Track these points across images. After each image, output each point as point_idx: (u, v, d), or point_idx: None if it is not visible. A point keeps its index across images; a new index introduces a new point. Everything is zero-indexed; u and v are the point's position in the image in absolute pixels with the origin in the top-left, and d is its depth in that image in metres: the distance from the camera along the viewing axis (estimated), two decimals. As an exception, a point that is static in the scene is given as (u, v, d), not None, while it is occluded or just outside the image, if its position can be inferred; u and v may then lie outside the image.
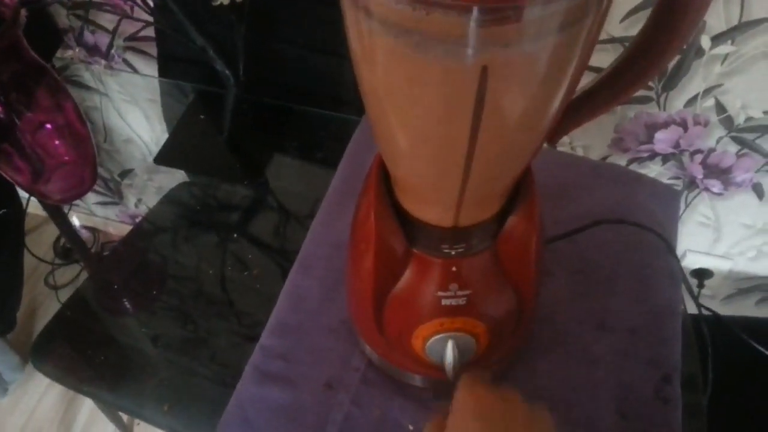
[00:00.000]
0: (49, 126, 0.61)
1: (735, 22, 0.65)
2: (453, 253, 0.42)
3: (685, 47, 0.69)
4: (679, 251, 0.96)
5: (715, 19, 0.66)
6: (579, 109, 0.37)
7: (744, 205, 0.85)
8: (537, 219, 0.42)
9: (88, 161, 0.66)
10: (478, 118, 0.29)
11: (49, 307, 1.32)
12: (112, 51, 0.94)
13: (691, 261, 0.97)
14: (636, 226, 0.60)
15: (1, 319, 0.93)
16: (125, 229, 1.31)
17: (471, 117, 0.29)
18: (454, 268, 0.42)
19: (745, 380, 0.74)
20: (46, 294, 1.31)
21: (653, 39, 0.33)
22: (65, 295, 1.00)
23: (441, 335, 0.44)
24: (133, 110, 1.03)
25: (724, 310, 1.02)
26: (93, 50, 0.98)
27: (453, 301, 0.43)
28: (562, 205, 0.63)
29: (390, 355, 0.50)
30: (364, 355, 0.53)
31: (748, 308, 1.03)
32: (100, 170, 1.11)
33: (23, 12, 0.54)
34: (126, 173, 1.19)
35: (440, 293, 0.42)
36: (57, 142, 0.65)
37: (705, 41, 0.68)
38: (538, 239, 0.43)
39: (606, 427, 0.50)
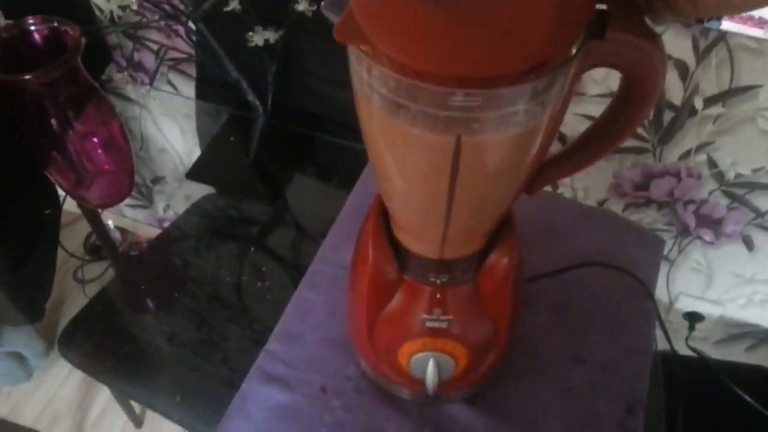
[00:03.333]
0: (95, 139, 0.68)
1: (726, 87, 0.71)
2: (438, 282, 0.47)
3: (678, 107, 0.75)
4: (672, 294, 1.00)
5: (708, 83, 0.71)
6: (551, 169, 0.43)
7: (734, 254, 0.89)
8: (515, 258, 0.48)
9: (127, 172, 0.73)
10: (455, 177, 0.35)
11: (75, 300, 1.39)
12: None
13: (683, 304, 1.01)
14: (618, 269, 0.65)
15: (32, 309, 1.00)
16: (152, 231, 1.39)
17: (449, 176, 0.35)
18: (438, 295, 0.48)
19: (720, 422, 0.78)
20: (73, 287, 1.38)
21: (614, 119, 0.39)
22: (91, 289, 1.07)
23: (424, 353, 0.49)
24: (169, 123, 1.11)
25: (715, 353, 1.06)
26: (138, 66, 1.06)
27: (436, 324, 0.48)
28: (551, 244, 0.68)
29: (380, 369, 0.56)
30: (358, 366, 0.59)
31: (738, 353, 1.07)
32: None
33: (83, 40, 0.61)
34: (158, 180, 1.27)
35: (425, 316, 0.48)
36: (100, 152, 0.71)
37: (698, 102, 0.73)
38: (515, 276, 0.49)
39: (571, 450, 0.55)
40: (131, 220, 1.44)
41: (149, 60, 1.03)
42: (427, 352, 0.49)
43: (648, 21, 0.33)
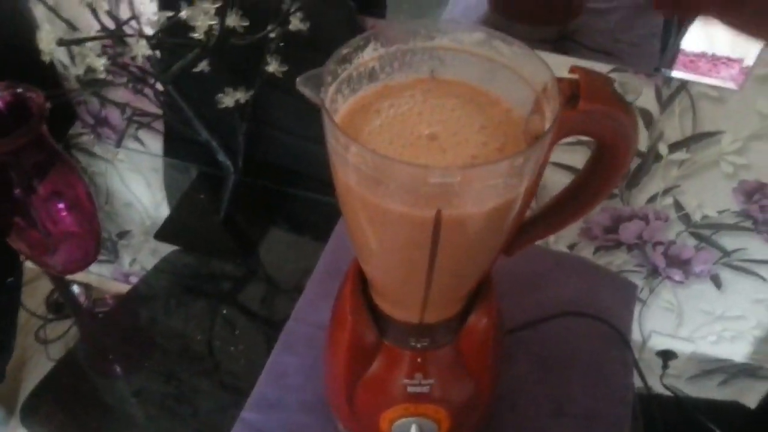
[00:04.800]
0: (60, 204, 0.67)
1: (689, 133, 0.73)
2: (419, 345, 0.47)
3: (640, 156, 0.76)
4: (645, 333, 1.01)
5: (672, 130, 0.73)
6: (530, 231, 0.43)
7: (703, 293, 0.91)
8: (494, 317, 0.48)
9: (93, 235, 0.71)
10: (435, 248, 0.35)
11: (38, 361, 1.34)
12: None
13: (656, 342, 1.02)
14: (594, 318, 0.66)
15: (-8, 374, 0.96)
16: (117, 286, 1.35)
17: (429, 247, 0.34)
18: (419, 360, 0.47)
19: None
20: (35, 348, 1.33)
21: (589, 181, 0.39)
22: (54, 349, 1.03)
23: (406, 419, 0.48)
24: (136, 178, 1.09)
25: (689, 389, 1.06)
26: (104, 122, 1.05)
27: (418, 389, 0.47)
28: (526, 294, 0.68)
29: (361, 433, 0.54)
30: None
31: (711, 389, 1.07)
32: (98, 230, 1.16)
33: (48, 105, 0.60)
34: (123, 234, 1.24)
35: (406, 381, 0.47)
36: (65, 215, 0.70)
37: (663, 148, 0.75)
38: (495, 336, 0.48)
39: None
40: (96, 275, 1.40)
41: (116, 116, 1.01)
42: (410, 417, 0.48)
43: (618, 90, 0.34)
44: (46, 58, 0.59)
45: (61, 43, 0.59)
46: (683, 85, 0.69)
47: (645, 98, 0.71)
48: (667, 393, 0.90)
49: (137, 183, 1.09)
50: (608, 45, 0.71)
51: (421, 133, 0.35)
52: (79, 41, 0.61)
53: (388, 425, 0.49)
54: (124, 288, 0.97)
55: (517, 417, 0.60)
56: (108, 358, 0.86)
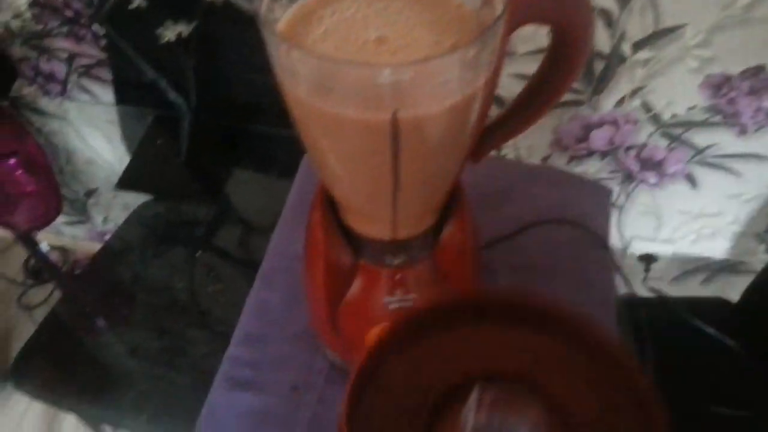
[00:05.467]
0: (11, 161, 0.64)
1: (651, 30, 0.71)
2: (396, 262, 0.46)
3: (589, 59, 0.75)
4: (626, 239, 1.02)
5: (634, 28, 0.72)
6: (494, 134, 0.42)
7: (679, 193, 0.91)
8: (469, 229, 0.47)
9: (52, 190, 0.69)
10: (397, 155, 0.33)
11: (23, 328, 1.34)
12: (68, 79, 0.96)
13: (637, 247, 1.03)
14: (570, 224, 0.66)
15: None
16: (95, 246, 1.33)
17: (390, 154, 0.33)
18: (398, 276, 0.47)
19: (686, 356, 0.80)
20: (19, 315, 1.33)
21: (549, 75, 0.38)
22: (39, 314, 1.02)
23: (390, 337, 0.48)
24: (93, 133, 1.05)
25: (673, 290, 1.08)
26: (49, 78, 1.00)
27: (399, 305, 0.47)
28: (502, 208, 0.68)
29: (348, 356, 0.54)
30: (326, 358, 0.57)
31: (694, 288, 1.10)
32: (64, 191, 1.13)
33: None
34: (91, 193, 1.21)
35: (387, 299, 0.47)
36: (20, 173, 0.67)
37: (626, 48, 0.74)
38: (471, 247, 0.48)
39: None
40: (70, 237, 1.38)
41: (60, 69, 0.97)
42: (394, 335, 0.48)
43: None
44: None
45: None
46: None
47: None
48: (652, 295, 0.91)
49: (95, 138, 1.06)
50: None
51: (368, 37, 0.33)
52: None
53: (373, 345, 0.49)
54: (99, 247, 0.96)
55: (501, 327, 0.60)
56: (91, 313, 0.85)
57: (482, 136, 0.41)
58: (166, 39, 0.65)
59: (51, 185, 0.68)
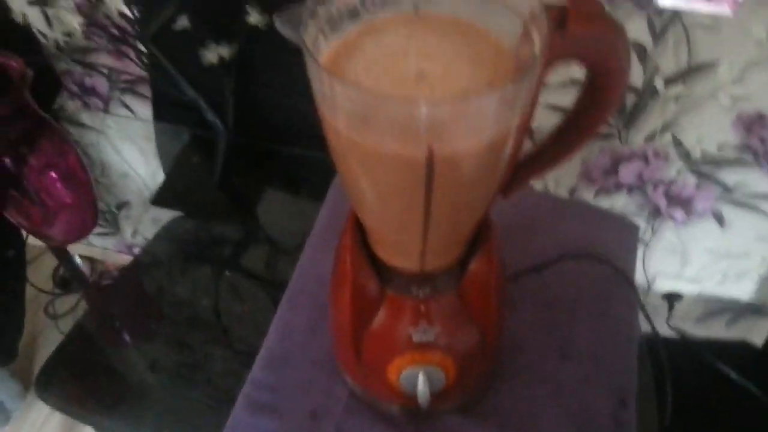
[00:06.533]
0: (53, 173, 0.66)
1: (685, 66, 0.71)
2: (421, 294, 0.46)
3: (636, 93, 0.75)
4: (649, 275, 1.01)
5: (667, 63, 0.72)
6: (525, 169, 0.42)
7: (706, 231, 0.90)
8: (496, 263, 0.47)
9: (90, 204, 0.70)
10: (430, 188, 0.34)
11: (49, 336, 1.35)
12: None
13: (661, 285, 1.02)
14: (596, 260, 0.65)
15: (3, 350, 0.97)
16: (122, 258, 1.36)
17: (424, 188, 0.34)
18: (422, 308, 0.47)
19: (706, 399, 0.79)
20: (45, 323, 1.34)
21: (583, 112, 0.38)
22: (64, 323, 1.03)
23: (413, 368, 0.48)
24: (129, 147, 1.08)
25: (697, 330, 1.07)
26: (90, 92, 1.03)
27: (423, 337, 0.47)
28: (529, 239, 0.68)
29: (369, 386, 0.55)
30: (346, 385, 0.58)
31: (718, 329, 1.08)
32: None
33: (29, 72, 0.59)
34: (122, 205, 1.24)
35: (411, 330, 0.47)
36: (59, 186, 0.69)
37: (659, 83, 0.74)
38: (497, 282, 0.48)
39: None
40: (100, 248, 1.40)
41: (102, 84, 1.00)
42: (417, 366, 0.48)
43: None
44: (18, 18, 0.57)
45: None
46: (676, 14, 0.67)
47: (637, 31, 0.70)
48: (674, 335, 0.90)
49: (131, 152, 1.08)
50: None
51: (407, 70, 0.34)
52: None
53: (395, 376, 0.49)
54: (128, 260, 0.97)
55: (524, 362, 0.60)
56: (116, 327, 0.86)
57: (514, 172, 0.41)
58: (208, 61, 0.67)
59: (89, 199, 0.69)
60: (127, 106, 1.04)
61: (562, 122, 0.40)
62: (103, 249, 1.40)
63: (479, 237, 0.46)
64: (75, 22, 0.58)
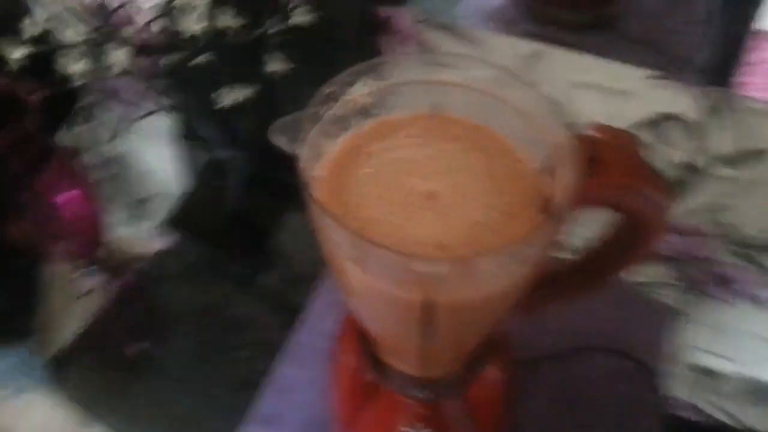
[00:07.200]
0: (58, 199, 0.65)
1: (734, 148, 0.69)
2: (421, 396, 0.43)
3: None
4: (683, 350, 0.95)
5: (716, 144, 0.69)
6: (547, 294, 0.38)
7: (746, 313, 0.85)
8: (507, 375, 0.44)
9: (94, 235, 0.70)
10: (429, 326, 0.30)
11: (69, 315, 1.35)
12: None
13: (694, 361, 0.96)
14: (623, 356, 0.61)
15: (20, 328, 0.97)
16: (147, 244, 1.34)
17: (421, 325, 0.30)
18: (420, 410, 0.44)
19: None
20: (66, 302, 1.34)
21: (606, 253, 0.34)
22: (84, 303, 1.02)
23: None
24: (149, 145, 1.07)
25: (728, 411, 1.01)
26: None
27: (417, 437, 0.44)
28: (548, 319, 0.63)
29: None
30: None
31: (752, 414, 1.02)
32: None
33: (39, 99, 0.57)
34: (145, 200, 1.23)
35: (404, 429, 0.44)
36: (65, 212, 0.68)
37: (705, 162, 0.70)
38: (508, 390, 0.44)
39: None
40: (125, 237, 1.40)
41: (117, 114, 0.99)
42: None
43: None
44: (13, 66, 0.56)
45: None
46: (726, 96, 0.63)
47: (687, 109, 0.66)
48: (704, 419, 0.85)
49: (152, 151, 1.07)
50: (648, 32, 0.66)
51: (416, 188, 0.31)
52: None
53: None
54: (153, 247, 0.96)
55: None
56: (131, 327, 0.85)
57: (533, 293, 0.37)
58: (223, 104, 0.64)
59: (93, 230, 0.69)
60: (142, 137, 1.02)
61: (584, 257, 0.36)
62: (129, 237, 1.40)
63: (491, 344, 0.43)
64: (78, 66, 0.57)
